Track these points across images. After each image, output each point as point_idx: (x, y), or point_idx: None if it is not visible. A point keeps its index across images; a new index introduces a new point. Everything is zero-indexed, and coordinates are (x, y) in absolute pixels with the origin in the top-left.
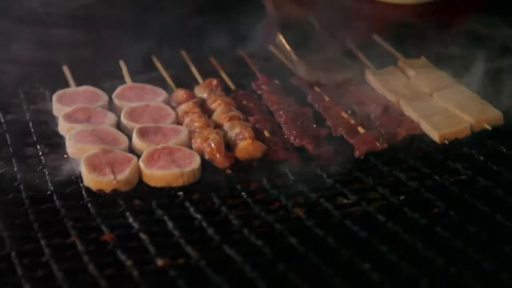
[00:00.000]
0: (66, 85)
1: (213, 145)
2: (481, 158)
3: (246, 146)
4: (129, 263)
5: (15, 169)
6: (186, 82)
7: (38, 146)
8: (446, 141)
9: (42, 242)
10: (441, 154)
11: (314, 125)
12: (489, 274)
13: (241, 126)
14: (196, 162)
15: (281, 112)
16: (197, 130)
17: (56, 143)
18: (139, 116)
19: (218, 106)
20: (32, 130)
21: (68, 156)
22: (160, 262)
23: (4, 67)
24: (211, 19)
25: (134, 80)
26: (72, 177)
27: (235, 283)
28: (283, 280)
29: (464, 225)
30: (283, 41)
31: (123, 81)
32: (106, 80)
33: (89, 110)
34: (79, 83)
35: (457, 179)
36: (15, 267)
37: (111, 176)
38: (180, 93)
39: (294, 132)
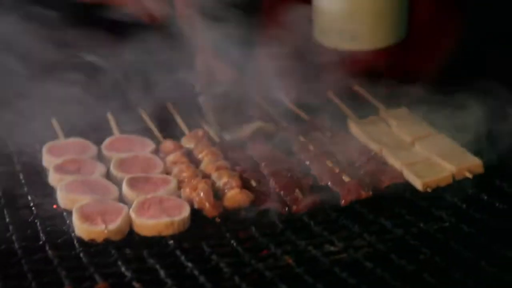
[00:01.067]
0: (53, 137)
1: (202, 194)
2: (464, 205)
3: (234, 195)
4: None
5: (7, 220)
6: (171, 133)
7: (29, 197)
8: (429, 189)
9: None
10: (425, 202)
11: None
12: None
13: (228, 176)
14: (186, 211)
15: (264, 164)
16: (186, 179)
17: (46, 194)
18: (128, 167)
19: (205, 156)
20: (23, 181)
21: (58, 207)
22: None
23: None
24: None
25: (120, 131)
26: (64, 227)
27: None
28: None
29: (450, 271)
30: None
31: (108, 133)
32: (93, 132)
33: (79, 161)
34: (66, 136)
35: (441, 226)
36: None
37: (103, 226)
38: (168, 144)
39: (279, 186)
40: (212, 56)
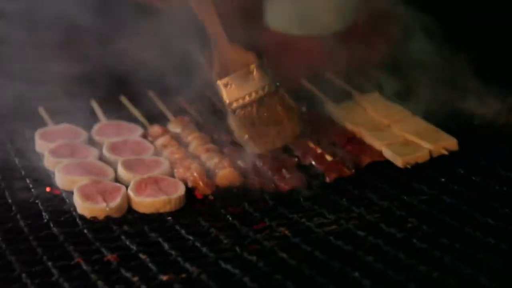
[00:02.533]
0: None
1: (195, 174)
2: (443, 179)
3: (226, 174)
4: (135, 279)
5: (9, 200)
6: (153, 119)
7: (27, 180)
8: (408, 166)
9: (49, 264)
10: (406, 177)
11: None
12: (469, 278)
13: (219, 157)
14: (181, 189)
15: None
16: (178, 161)
17: (43, 177)
18: (120, 150)
19: (194, 139)
20: (18, 166)
21: (53, 189)
22: (164, 277)
23: None
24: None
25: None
26: (64, 207)
27: None
28: None
29: (438, 237)
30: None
31: (93, 120)
32: (78, 119)
33: (72, 146)
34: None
35: (424, 199)
36: (28, 287)
37: (104, 204)
38: (156, 129)
39: (267, 166)
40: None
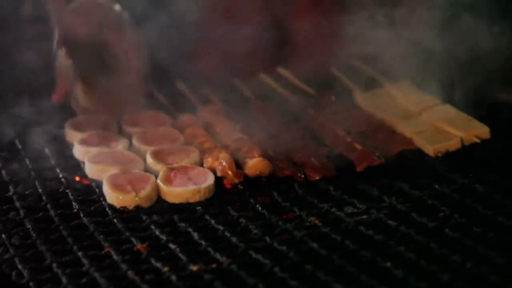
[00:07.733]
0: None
1: (224, 163)
2: (475, 168)
3: (256, 163)
4: (166, 269)
5: (39, 190)
6: (183, 108)
7: (57, 170)
8: (439, 154)
9: (79, 253)
10: (437, 166)
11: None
12: (503, 267)
13: (248, 146)
14: (211, 178)
15: (279, 135)
16: (207, 150)
17: (72, 167)
18: (150, 140)
19: (223, 129)
20: (49, 155)
21: (82, 178)
22: (194, 267)
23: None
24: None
25: None
26: (94, 196)
27: (269, 283)
28: (313, 280)
29: (470, 226)
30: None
31: None
32: None
33: (102, 135)
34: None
35: (456, 188)
36: (59, 276)
37: (134, 193)
38: (185, 118)
39: (296, 155)
40: None
